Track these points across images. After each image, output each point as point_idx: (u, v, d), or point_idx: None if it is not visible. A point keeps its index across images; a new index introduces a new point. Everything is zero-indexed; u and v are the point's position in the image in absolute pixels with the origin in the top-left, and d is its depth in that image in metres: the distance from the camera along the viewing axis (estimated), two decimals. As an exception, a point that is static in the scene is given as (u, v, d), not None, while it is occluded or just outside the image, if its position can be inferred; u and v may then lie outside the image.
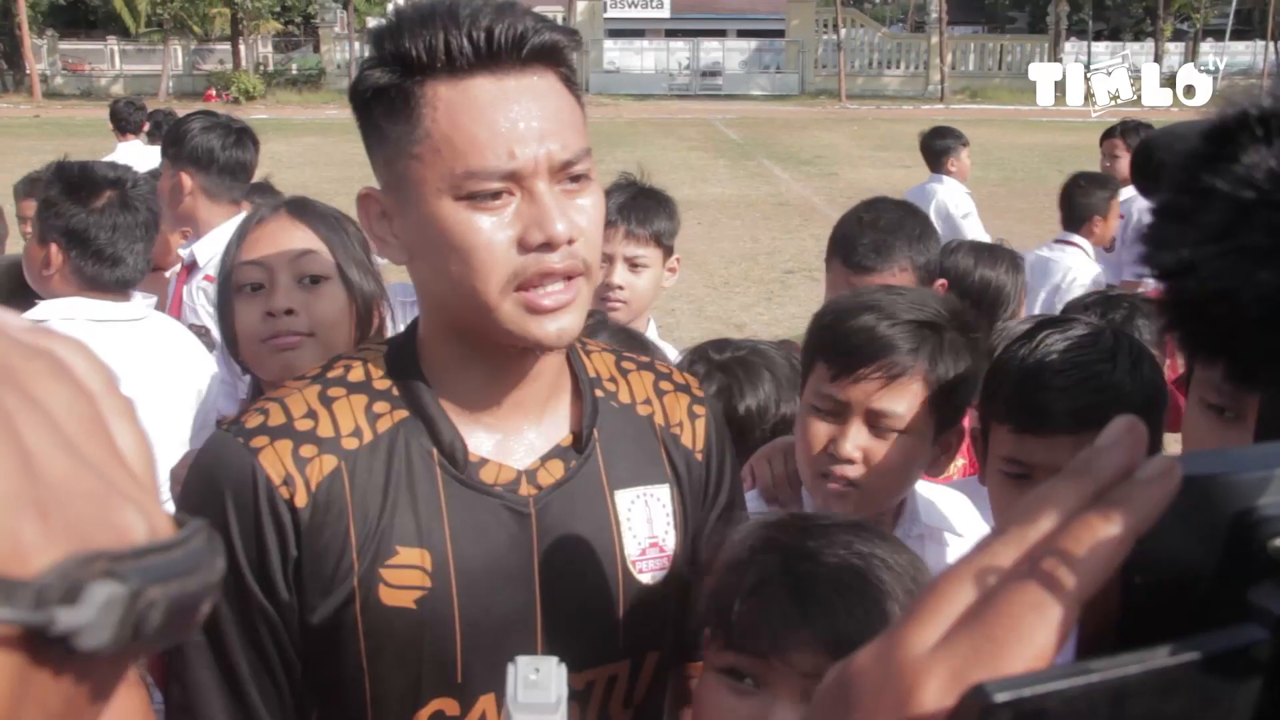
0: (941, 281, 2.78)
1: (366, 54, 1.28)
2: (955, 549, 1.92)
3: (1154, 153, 1.15)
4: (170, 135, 3.68)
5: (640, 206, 2.86)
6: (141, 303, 2.78)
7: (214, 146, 3.61)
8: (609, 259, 2.78)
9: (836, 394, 1.72)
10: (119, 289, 2.72)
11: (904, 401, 1.70)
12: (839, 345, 1.73)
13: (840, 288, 2.58)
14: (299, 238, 1.95)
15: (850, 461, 1.72)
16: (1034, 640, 0.46)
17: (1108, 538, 0.47)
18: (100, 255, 2.65)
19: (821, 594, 1.20)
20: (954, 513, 1.96)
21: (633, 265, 2.83)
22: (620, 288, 2.80)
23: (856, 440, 1.71)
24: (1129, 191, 6.31)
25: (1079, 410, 1.61)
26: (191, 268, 3.57)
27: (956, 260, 3.33)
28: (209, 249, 3.49)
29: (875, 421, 1.72)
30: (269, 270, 1.94)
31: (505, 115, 1.19)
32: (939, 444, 1.80)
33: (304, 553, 1.25)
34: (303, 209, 2.02)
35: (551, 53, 1.24)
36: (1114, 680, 0.45)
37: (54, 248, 2.64)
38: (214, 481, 1.27)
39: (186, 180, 3.57)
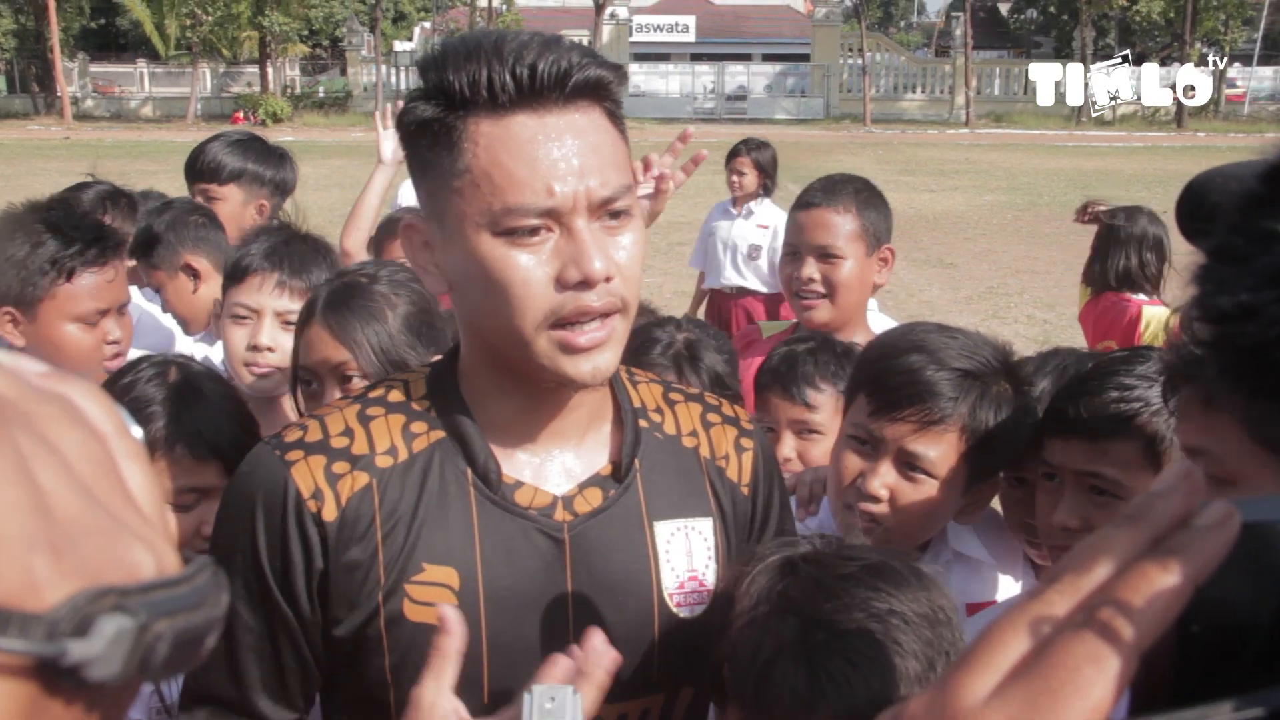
0: (889, 246, 2.68)
1: (393, 78, 1.26)
2: (987, 573, 1.90)
3: (1205, 195, 1.13)
4: (244, 166, 3.53)
5: (296, 254, 2.39)
6: None
7: (289, 177, 3.65)
8: (255, 313, 2.35)
9: (872, 428, 1.72)
10: None
11: (937, 447, 1.68)
12: (881, 381, 1.72)
13: (790, 234, 2.72)
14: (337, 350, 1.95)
15: (875, 499, 1.71)
16: (1091, 693, 0.45)
17: (1166, 587, 0.46)
18: None
19: (836, 670, 1.17)
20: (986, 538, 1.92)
21: (286, 322, 2.31)
22: (270, 349, 2.32)
23: (885, 479, 1.71)
24: (763, 209, 6.80)
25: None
26: None
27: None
28: None
29: (907, 461, 1.70)
30: (318, 376, 1.99)
31: (545, 152, 1.18)
32: (970, 494, 1.77)
33: (330, 566, 1.26)
34: (339, 320, 1.97)
35: (596, 88, 1.23)
36: None
37: None
38: (247, 490, 1.30)
39: (265, 206, 3.56)
